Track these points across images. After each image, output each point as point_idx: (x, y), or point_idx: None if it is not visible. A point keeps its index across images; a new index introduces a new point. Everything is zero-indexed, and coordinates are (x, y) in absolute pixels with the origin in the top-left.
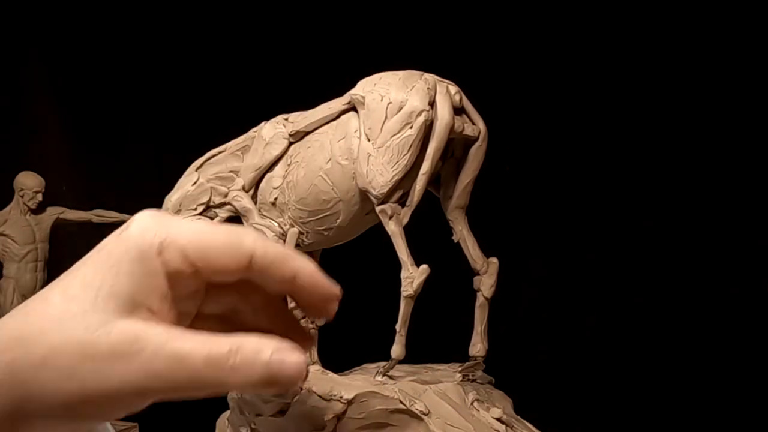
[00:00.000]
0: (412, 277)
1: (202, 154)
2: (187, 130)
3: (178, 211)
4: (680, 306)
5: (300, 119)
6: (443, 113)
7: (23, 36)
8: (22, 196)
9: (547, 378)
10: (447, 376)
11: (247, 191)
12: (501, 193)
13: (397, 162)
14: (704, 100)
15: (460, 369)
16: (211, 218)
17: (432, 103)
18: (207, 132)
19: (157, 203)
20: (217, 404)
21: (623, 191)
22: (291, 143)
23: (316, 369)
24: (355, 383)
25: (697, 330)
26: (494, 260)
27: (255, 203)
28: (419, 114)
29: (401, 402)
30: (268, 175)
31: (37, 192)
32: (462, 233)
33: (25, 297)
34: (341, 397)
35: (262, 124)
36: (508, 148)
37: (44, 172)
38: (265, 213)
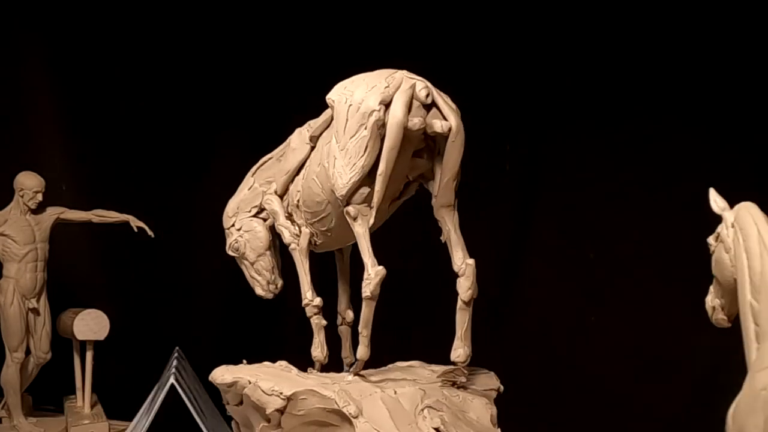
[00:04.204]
0: (370, 279)
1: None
2: (186, 131)
3: (235, 214)
4: (679, 307)
5: (314, 124)
6: (395, 111)
7: (24, 37)
8: (22, 196)
9: (547, 378)
10: (426, 379)
11: (279, 195)
12: (501, 193)
13: (354, 164)
14: (696, 99)
15: (438, 375)
16: (264, 219)
17: (389, 103)
18: (206, 132)
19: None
20: (216, 405)
21: (622, 191)
22: (312, 147)
23: (279, 364)
24: (299, 381)
25: (696, 330)
26: (470, 261)
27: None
28: (370, 114)
29: (336, 403)
30: (296, 178)
31: (37, 192)
32: (449, 233)
33: (25, 297)
34: (280, 393)
35: (297, 130)
36: (508, 148)
37: (44, 172)
38: (294, 215)
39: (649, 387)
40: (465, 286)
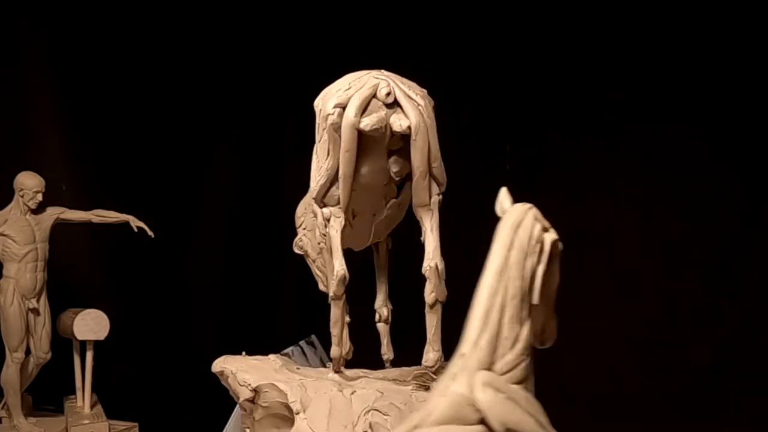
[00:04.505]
0: (332, 280)
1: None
2: (186, 131)
3: (303, 214)
4: (680, 305)
5: None
6: (347, 113)
7: (24, 37)
8: (22, 196)
9: (547, 378)
10: (398, 382)
11: (315, 198)
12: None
13: (320, 167)
14: (696, 99)
15: (409, 378)
16: None
17: (347, 105)
18: (206, 132)
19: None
20: (216, 405)
21: (622, 191)
22: None
23: (268, 358)
24: (268, 375)
25: (697, 328)
26: (433, 264)
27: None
28: (326, 118)
29: (287, 397)
30: None
31: (37, 192)
32: (425, 233)
33: (25, 297)
34: (249, 385)
35: None
36: (508, 148)
37: (44, 172)
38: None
39: (649, 386)
40: (428, 290)
